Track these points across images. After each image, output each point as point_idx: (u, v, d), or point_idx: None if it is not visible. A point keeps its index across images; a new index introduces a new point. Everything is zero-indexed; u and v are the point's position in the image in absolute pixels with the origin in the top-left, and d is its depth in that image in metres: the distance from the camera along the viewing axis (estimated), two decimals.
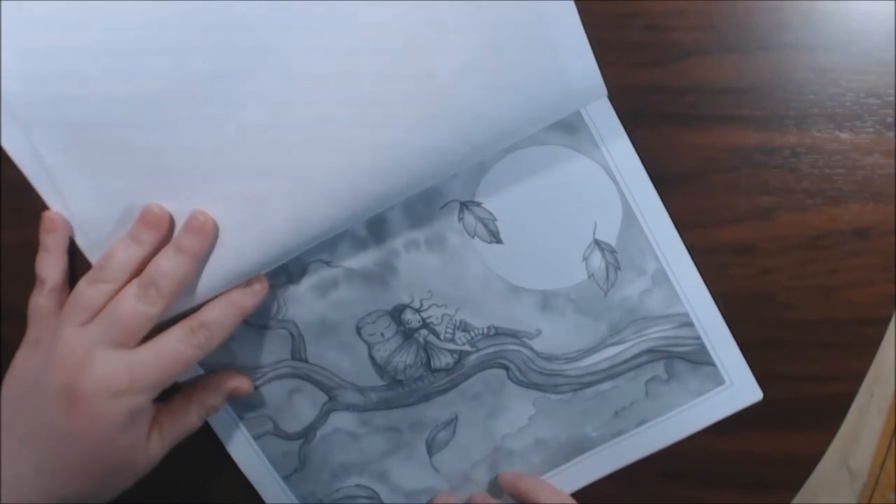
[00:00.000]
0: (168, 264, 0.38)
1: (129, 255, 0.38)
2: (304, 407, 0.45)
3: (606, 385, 0.45)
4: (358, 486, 0.47)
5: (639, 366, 0.44)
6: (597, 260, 0.43)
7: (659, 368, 0.44)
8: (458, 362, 0.45)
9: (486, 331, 0.44)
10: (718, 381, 0.44)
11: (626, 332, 0.44)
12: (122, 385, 0.37)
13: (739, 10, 0.40)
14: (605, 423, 0.45)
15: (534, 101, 0.37)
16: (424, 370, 0.45)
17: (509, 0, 0.35)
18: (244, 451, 0.46)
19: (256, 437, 0.46)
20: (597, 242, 0.42)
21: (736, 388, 0.44)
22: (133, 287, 0.38)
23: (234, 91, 0.37)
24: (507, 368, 0.45)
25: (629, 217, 0.42)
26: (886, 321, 0.43)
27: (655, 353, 0.44)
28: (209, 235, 0.38)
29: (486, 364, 0.45)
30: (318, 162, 0.38)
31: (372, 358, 0.44)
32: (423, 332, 0.44)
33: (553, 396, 0.45)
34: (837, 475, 0.45)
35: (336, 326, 0.44)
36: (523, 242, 0.42)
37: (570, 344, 0.44)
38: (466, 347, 0.44)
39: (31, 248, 0.40)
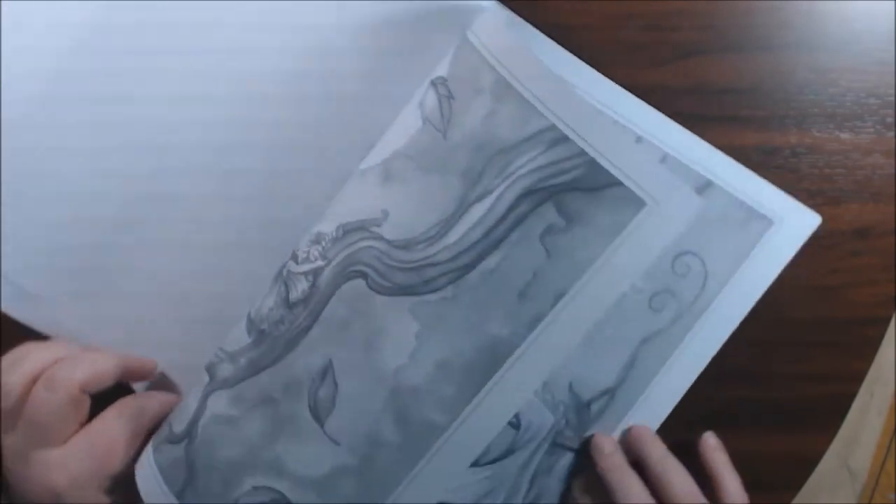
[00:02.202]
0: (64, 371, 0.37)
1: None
2: (191, 398, 0.38)
3: (492, 261, 0.33)
4: (255, 488, 0.36)
5: (521, 219, 0.33)
6: (430, 99, 0.35)
7: (550, 213, 0.33)
8: (312, 285, 0.36)
9: (334, 234, 0.36)
10: (636, 201, 0.32)
11: (486, 179, 0.33)
12: (62, 485, 0.36)
13: (739, 10, 0.40)
14: (511, 314, 0.34)
15: None
16: (284, 309, 0.36)
17: None
18: (144, 471, 0.38)
19: (155, 449, 0.38)
20: (432, 82, 0.35)
21: (672, 204, 0.32)
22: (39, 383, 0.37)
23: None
24: (364, 276, 0.35)
25: (462, 37, 0.35)
26: (886, 321, 0.43)
27: (536, 194, 0.33)
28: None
29: (340, 277, 0.35)
30: None
31: (248, 315, 0.38)
32: (289, 262, 0.37)
33: (432, 297, 0.34)
34: (837, 475, 0.45)
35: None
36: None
37: (424, 217, 0.34)
38: (318, 262, 0.36)
39: None
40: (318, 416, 0.35)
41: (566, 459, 0.39)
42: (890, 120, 0.41)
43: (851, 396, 0.44)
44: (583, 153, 0.32)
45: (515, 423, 0.37)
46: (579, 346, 0.38)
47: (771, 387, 0.44)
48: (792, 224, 0.39)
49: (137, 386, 0.42)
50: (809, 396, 0.44)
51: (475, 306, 0.34)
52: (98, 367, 0.38)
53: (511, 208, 0.33)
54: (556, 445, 0.39)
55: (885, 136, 0.41)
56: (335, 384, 0.35)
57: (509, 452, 0.38)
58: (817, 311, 0.43)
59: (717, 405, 0.42)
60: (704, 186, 0.38)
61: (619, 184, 0.32)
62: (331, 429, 0.35)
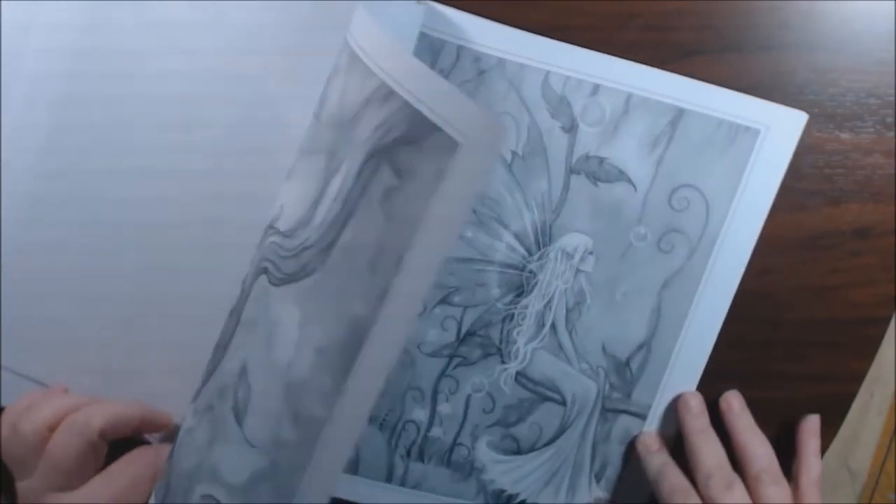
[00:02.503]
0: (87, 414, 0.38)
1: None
2: None
3: (347, 234, 0.31)
4: (203, 496, 0.35)
5: (366, 186, 0.31)
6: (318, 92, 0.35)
7: (386, 174, 0.30)
8: (242, 291, 0.36)
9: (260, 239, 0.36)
10: (452, 145, 0.29)
11: (340, 151, 0.31)
12: None
13: (739, 10, 0.40)
14: (365, 287, 0.31)
15: None
16: (228, 317, 0.36)
17: None
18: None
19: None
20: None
21: (482, 138, 0.28)
22: (62, 427, 0.38)
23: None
24: (266, 271, 0.34)
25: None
26: (886, 321, 0.43)
27: (375, 158, 0.30)
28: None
29: (253, 276, 0.35)
30: None
31: None
32: None
33: (308, 282, 0.32)
34: (837, 475, 0.45)
35: None
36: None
37: (301, 201, 0.33)
38: (249, 268, 0.36)
39: None
40: (239, 418, 0.34)
41: (622, 422, 0.40)
42: (890, 120, 0.41)
43: (851, 396, 0.44)
44: (407, 105, 0.29)
45: (560, 400, 0.38)
46: (601, 309, 0.38)
47: (771, 387, 0.44)
48: (780, 127, 0.39)
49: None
50: (809, 396, 0.44)
51: (339, 286, 0.31)
52: (119, 414, 0.38)
53: (357, 176, 0.31)
54: (608, 411, 0.40)
55: (885, 136, 0.41)
56: (248, 385, 0.34)
57: (563, 429, 0.38)
58: (817, 311, 0.43)
59: (718, 405, 0.42)
60: (678, 116, 0.38)
61: (438, 129, 0.29)
62: (247, 431, 0.34)
